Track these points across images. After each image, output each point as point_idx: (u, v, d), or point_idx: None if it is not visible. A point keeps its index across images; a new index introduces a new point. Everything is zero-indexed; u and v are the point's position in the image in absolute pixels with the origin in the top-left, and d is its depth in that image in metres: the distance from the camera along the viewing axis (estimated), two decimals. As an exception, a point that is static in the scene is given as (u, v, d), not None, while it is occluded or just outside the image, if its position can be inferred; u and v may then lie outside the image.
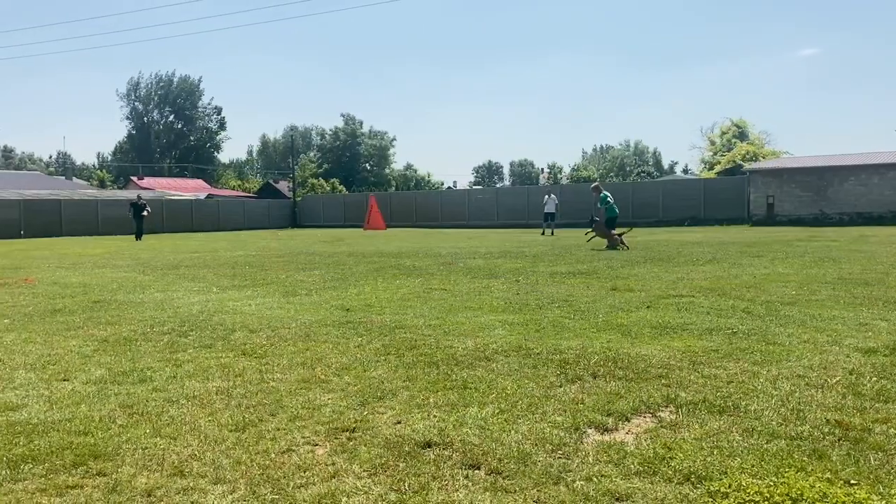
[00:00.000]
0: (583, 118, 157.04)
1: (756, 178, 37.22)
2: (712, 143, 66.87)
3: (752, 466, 3.13)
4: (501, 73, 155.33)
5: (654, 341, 5.81)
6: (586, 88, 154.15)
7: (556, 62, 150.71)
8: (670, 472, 3.09)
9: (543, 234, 27.96)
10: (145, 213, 30.45)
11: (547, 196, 30.00)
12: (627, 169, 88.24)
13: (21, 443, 3.58)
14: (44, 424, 3.88)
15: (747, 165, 43.11)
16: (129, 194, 52.24)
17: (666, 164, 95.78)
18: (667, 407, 4.03)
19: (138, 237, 29.60)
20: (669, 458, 3.24)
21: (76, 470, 3.22)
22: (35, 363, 5.42)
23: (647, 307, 7.60)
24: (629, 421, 3.81)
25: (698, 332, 6.17)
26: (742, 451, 3.31)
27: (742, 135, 63.35)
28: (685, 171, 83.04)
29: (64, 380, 4.90)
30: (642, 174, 79.96)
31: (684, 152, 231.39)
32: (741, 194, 37.45)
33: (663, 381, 4.56)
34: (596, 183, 27.46)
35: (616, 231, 17.48)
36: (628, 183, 53.07)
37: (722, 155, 60.94)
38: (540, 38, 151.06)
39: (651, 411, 3.96)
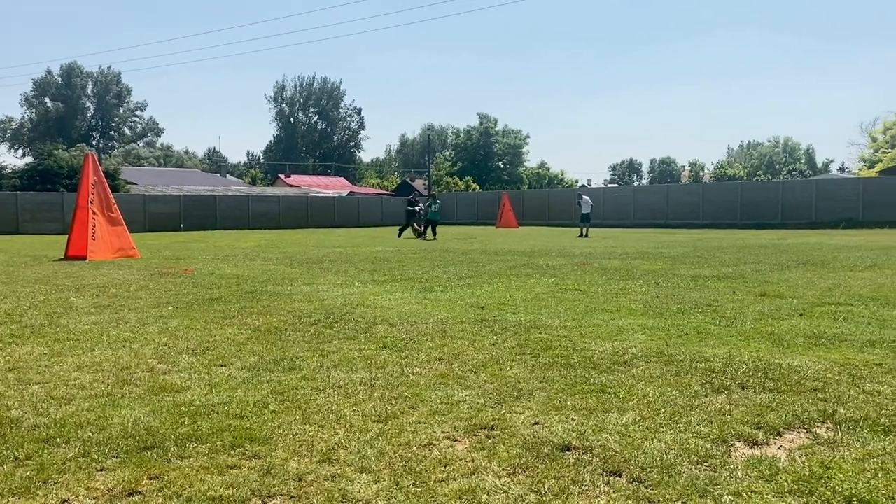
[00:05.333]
0: (729, 114, 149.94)
1: (925, 177, 34.07)
2: (874, 139, 62.18)
3: (925, 494, 2.88)
4: (639, 70, 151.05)
5: (809, 352, 5.46)
6: (732, 83, 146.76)
7: (698, 55, 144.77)
8: (829, 494, 2.89)
9: (581, 234, 28.08)
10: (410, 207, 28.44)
11: (580, 199, 30.16)
12: (777, 167, 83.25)
13: (186, 422, 3.87)
14: (205, 406, 4.18)
15: (915, 163, 39.58)
16: (277, 191, 55.25)
17: (820, 163, 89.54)
18: (823, 423, 3.78)
19: (401, 233, 27.88)
20: (828, 477, 3.04)
21: (234, 451, 3.45)
22: (196, 348, 5.85)
23: (801, 315, 7.16)
24: (781, 436, 3.61)
25: (858, 343, 5.74)
26: (912, 476, 3.05)
27: (909, 130, 58.41)
28: (841, 169, 77.30)
29: (221, 365, 5.26)
30: (793, 172, 75.21)
31: (841, 150, 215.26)
32: (907, 195, 34.38)
33: (819, 395, 4.28)
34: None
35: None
36: (777, 181, 50.05)
37: (885, 152, 56.50)
38: (677, 30, 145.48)
39: (806, 427, 3.73)
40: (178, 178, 61.49)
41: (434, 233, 26.33)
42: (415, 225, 27.54)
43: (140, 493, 3.00)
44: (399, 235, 27.58)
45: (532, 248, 18.92)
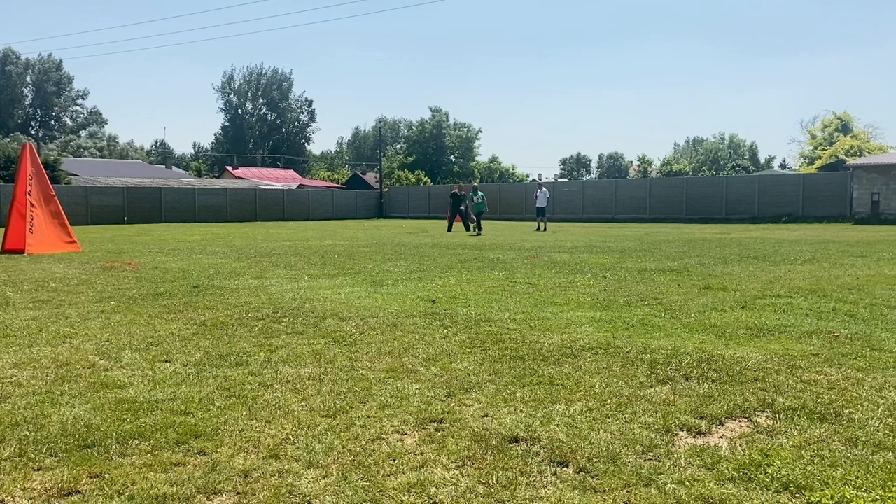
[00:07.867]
0: (675, 109, 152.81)
1: (860, 173, 35.29)
2: (813, 136, 64.16)
3: (857, 478, 2.99)
4: (590, 64, 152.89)
5: (750, 343, 5.61)
6: (679, 79, 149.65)
7: (648, 51, 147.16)
8: (767, 480, 2.98)
9: (538, 228, 27.70)
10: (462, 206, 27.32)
11: (538, 191, 29.67)
12: (721, 163, 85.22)
13: (129, 419, 3.78)
14: (148, 403, 4.09)
15: (851, 160, 41.01)
16: (225, 183, 54.29)
17: (763, 159, 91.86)
18: (763, 412, 3.89)
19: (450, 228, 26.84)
20: (766, 465, 3.13)
21: (179, 448, 3.38)
22: (139, 344, 5.72)
23: (743, 307, 7.35)
24: (723, 425, 3.70)
25: (797, 334, 5.92)
26: (845, 462, 3.16)
27: (845, 128, 60.50)
28: (783, 165, 79.46)
29: (166, 361, 5.15)
30: (737, 168, 77.07)
31: (782, 146, 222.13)
32: (843, 191, 35.58)
33: (759, 384, 4.40)
34: (475, 184, 32.73)
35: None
36: (721, 177, 51.26)
37: (823, 149, 58.36)
38: (629, 26, 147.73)
39: (746, 416, 3.83)
40: (122, 169, 59.90)
41: (479, 226, 25.51)
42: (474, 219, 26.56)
43: (79, 492, 2.92)
44: (449, 229, 26.05)
45: (483, 242, 19.01)
